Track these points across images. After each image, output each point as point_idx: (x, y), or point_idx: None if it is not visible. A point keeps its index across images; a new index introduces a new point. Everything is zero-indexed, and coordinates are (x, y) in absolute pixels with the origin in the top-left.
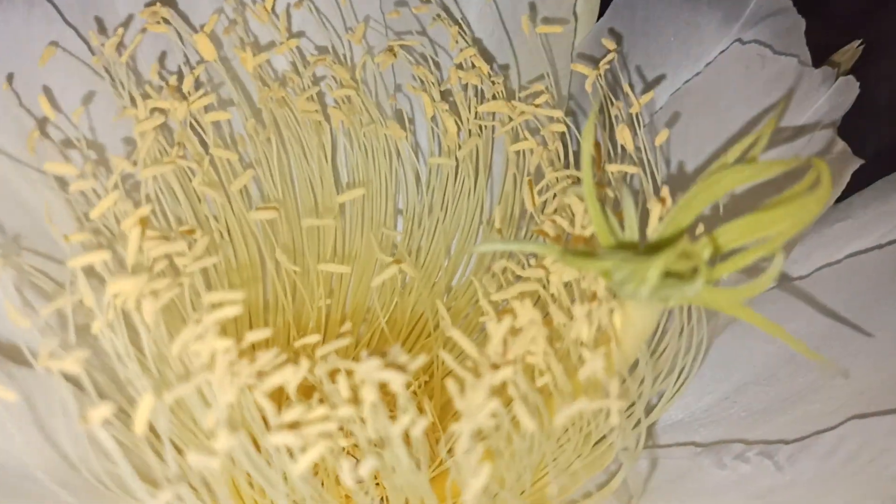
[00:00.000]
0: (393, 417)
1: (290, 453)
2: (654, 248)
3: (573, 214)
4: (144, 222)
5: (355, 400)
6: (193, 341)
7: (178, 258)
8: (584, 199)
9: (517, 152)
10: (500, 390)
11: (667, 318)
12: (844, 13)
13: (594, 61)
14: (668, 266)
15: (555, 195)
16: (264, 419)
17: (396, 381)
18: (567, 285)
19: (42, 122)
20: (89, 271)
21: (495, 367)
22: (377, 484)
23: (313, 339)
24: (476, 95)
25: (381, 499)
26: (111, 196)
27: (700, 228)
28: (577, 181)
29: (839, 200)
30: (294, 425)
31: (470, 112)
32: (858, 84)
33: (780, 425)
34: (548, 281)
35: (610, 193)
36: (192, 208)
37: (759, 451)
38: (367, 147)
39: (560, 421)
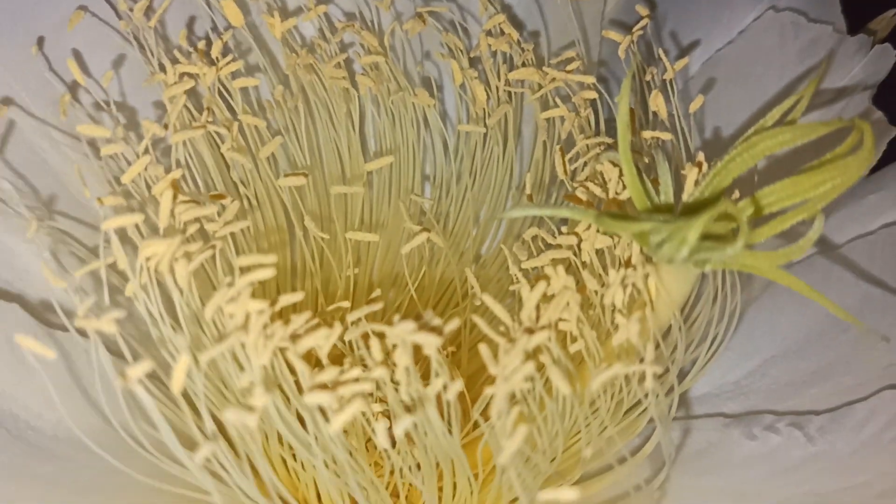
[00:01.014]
0: (425, 382)
1: (325, 414)
2: (691, 212)
3: (606, 181)
4: (176, 186)
5: (388, 363)
6: (227, 303)
7: (208, 223)
8: (621, 162)
9: (548, 119)
10: (533, 356)
11: (700, 285)
12: None
13: (626, 27)
14: (707, 227)
15: (586, 162)
16: (297, 381)
17: (430, 343)
18: (599, 252)
19: (73, 87)
20: (122, 236)
21: (529, 331)
22: (408, 449)
23: (344, 304)
24: (505, 62)
25: (412, 464)
26: (142, 160)
27: (735, 194)
28: (609, 148)
29: (872, 172)
30: (326, 387)
31: (500, 79)
32: (895, 52)
33: (810, 397)
34: (579, 248)
35: (644, 160)
36: (221, 174)
37: (790, 422)
38: (395, 115)
39: (595, 385)
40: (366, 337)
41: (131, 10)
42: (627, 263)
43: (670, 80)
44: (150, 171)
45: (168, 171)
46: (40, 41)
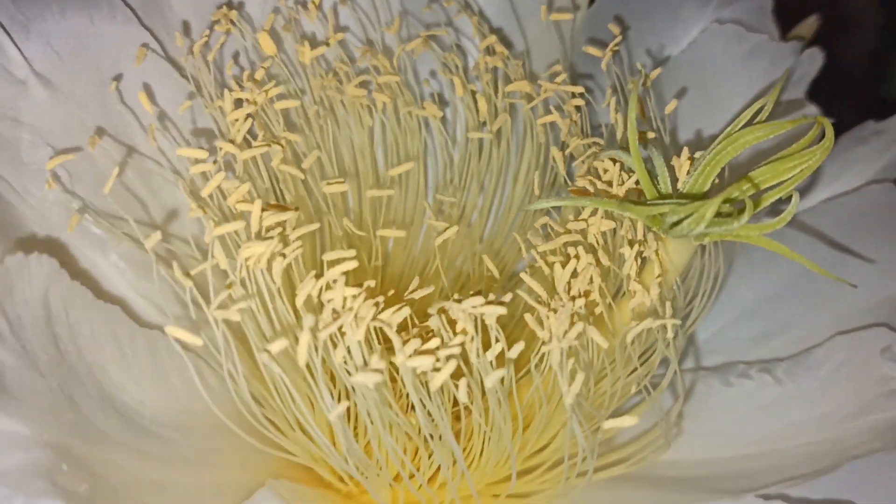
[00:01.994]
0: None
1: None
2: (689, 197)
3: (601, 174)
4: (249, 197)
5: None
6: (319, 291)
7: (283, 227)
8: (631, 157)
9: (543, 125)
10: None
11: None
12: None
13: (598, 43)
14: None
15: (583, 161)
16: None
17: (494, 313)
18: (604, 235)
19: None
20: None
21: (572, 299)
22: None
23: (415, 286)
24: (495, 79)
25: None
26: (218, 176)
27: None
28: (603, 148)
29: None
30: (421, 353)
31: (496, 92)
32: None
33: (772, 348)
34: (587, 233)
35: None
36: (273, 184)
37: (760, 368)
38: (406, 125)
39: (629, 337)
40: (428, 315)
41: (191, 48)
42: (640, 241)
43: (647, 88)
44: (224, 184)
45: (238, 183)
46: (117, 77)
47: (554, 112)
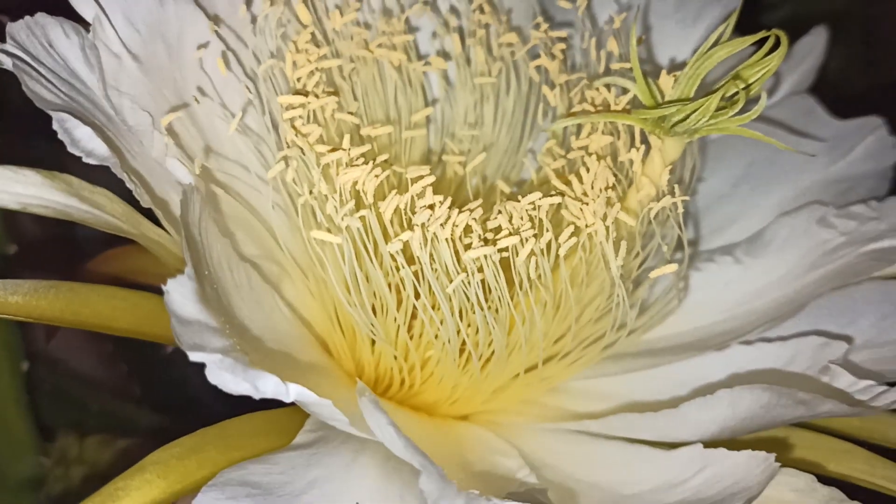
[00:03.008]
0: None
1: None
2: (680, 102)
3: (595, 102)
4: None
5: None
6: (410, 201)
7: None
8: (634, 72)
9: (536, 68)
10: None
11: None
12: None
13: None
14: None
15: (577, 92)
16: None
17: (550, 202)
18: (604, 149)
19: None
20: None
21: (601, 192)
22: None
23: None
24: (488, 34)
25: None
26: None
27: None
28: (592, 80)
29: None
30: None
31: (493, 43)
32: None
33: (729, 236)
34: (589, 148)
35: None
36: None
37: (721, 252)
38: (417, 78)
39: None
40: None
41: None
42: (638, 147)
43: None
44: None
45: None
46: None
47: (543, 56)
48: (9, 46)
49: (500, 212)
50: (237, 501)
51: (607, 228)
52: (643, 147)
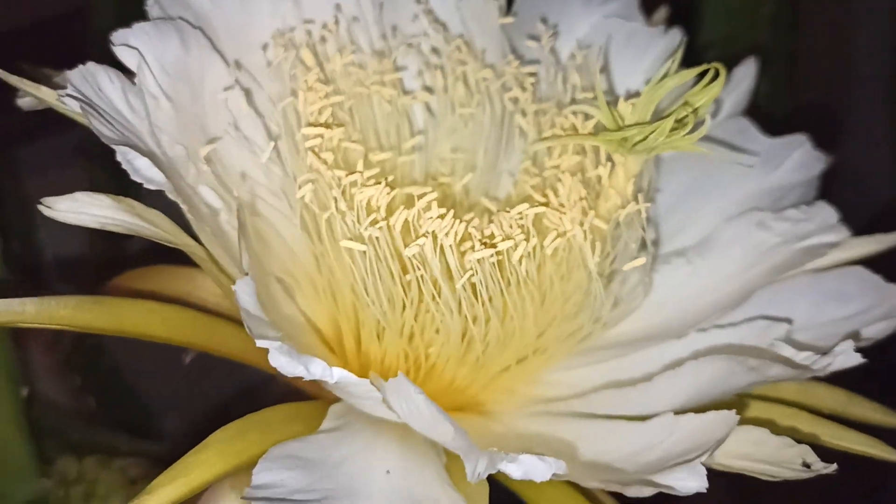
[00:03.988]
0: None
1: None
2: (638, 125)
3: (563, 127)
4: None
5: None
6: (416, 215)
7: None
8: (598, 100)
9: (510, 99)
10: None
11: None
12: None
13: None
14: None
15: (551, 118)
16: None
17: (535, 212)
18: (574, 167)
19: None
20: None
21: (578, 202)
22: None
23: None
24: (465, 71)
25: None
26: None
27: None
28: (561, 108)
29: None
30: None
31: (466, 80)
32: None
33: (677, 243)
34: (560, 167)
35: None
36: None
37: (674, 254)
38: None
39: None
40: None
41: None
42: (604, 164)
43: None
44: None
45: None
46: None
47: (515, 88)
48: (71, 91)
49: (491, 221)
50: (289, 471)
51: (584, 232)
52: (609, 164)
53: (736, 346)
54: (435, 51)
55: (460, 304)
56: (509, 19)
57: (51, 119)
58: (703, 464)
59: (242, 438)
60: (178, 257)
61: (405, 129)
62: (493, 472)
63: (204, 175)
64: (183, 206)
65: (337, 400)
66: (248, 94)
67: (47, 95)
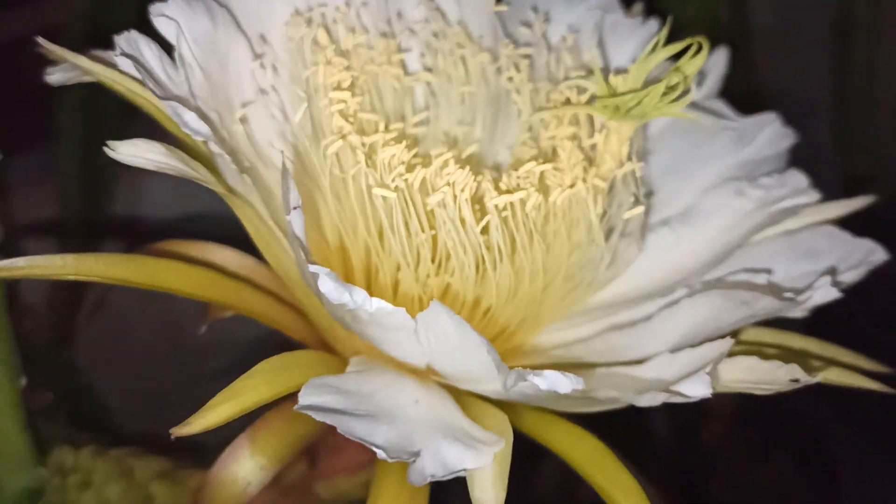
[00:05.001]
0: None
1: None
2: (632, 92)
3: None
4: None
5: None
6: (433, 172)
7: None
8: (594, 71)
9: (507, 79)
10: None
11: None
12: None
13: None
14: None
15: (546, 94)
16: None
17: (543, 168)
18: (570, 136)
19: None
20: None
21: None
22: None
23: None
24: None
25: None
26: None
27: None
28: (555, 85)
29: None
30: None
31: (469, 61)
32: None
33: (663, 213)
34: (557, 137)
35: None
36: None
37: (659, 224)
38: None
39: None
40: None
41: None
42: (598, 131)
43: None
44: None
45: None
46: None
47: (512, 69)
48: (123, 51)
49: (500, 181)
50: (331, 395)
51: (587, 187)
52: (603, 132)
53: (727, 282)
54: (435, 35)
55: (478, 253)
56: (503, 7)
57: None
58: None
59: (285, 370)
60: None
61: (409, 106)
62: (523, 383)
63: (236, 136)
64: (227, 157)
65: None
66: (271, 67)
67: (86, 63)
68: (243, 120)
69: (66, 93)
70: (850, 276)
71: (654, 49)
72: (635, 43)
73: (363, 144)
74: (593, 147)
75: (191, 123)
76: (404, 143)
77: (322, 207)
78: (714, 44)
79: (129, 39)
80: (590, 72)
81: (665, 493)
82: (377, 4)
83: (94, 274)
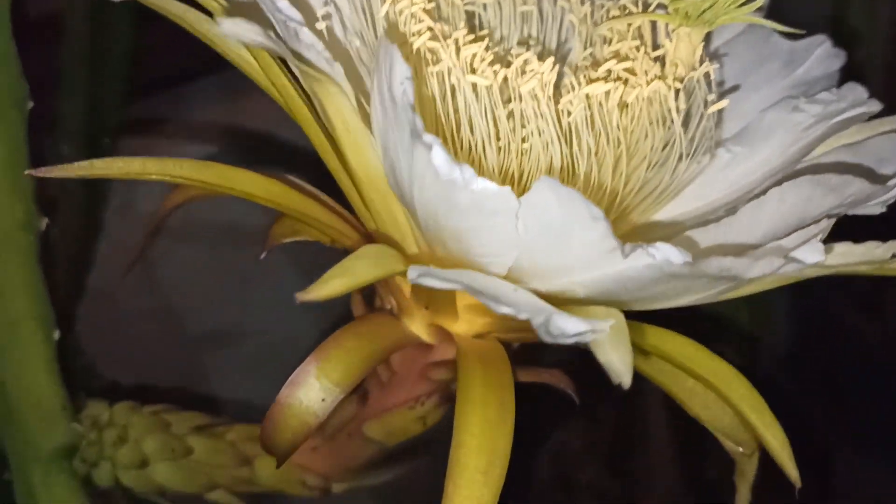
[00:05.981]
0: None
1: None
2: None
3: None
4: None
5: None
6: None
7: None
8: None
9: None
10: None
11: None
12: None
13: None
14: None
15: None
16: None
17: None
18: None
19: None
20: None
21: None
22: None
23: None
24: None
25: None
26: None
27: None
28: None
29: None
30: None
31: None
32: None
33: (719, 135)
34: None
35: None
36: None
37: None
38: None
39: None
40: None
41: None
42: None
43: None
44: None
45: None
46: None
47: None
48: None
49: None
50: (434, 280)
51: (666, 85)
52: (674, 39)
53: (818, 164)
54: None
55: (567, 143)
56: None
57: None
58: None
59: (386, 256)
60: None
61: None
62: (638, 251)
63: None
64: (320, 45)
65: None
66: None
67: None
68: (327, 16)
69: None
70: None
71: None
72: None
73: (451, 38)
74: (659, 59)
75: (284, 10)
76: (485, 41)
77: None
78: None
79: None
80: None
81: None
82: None
83: (174, 176)
